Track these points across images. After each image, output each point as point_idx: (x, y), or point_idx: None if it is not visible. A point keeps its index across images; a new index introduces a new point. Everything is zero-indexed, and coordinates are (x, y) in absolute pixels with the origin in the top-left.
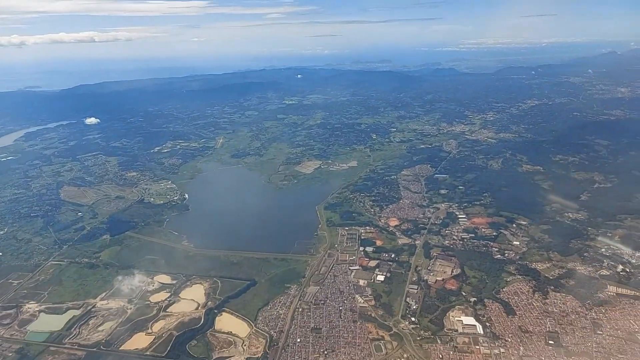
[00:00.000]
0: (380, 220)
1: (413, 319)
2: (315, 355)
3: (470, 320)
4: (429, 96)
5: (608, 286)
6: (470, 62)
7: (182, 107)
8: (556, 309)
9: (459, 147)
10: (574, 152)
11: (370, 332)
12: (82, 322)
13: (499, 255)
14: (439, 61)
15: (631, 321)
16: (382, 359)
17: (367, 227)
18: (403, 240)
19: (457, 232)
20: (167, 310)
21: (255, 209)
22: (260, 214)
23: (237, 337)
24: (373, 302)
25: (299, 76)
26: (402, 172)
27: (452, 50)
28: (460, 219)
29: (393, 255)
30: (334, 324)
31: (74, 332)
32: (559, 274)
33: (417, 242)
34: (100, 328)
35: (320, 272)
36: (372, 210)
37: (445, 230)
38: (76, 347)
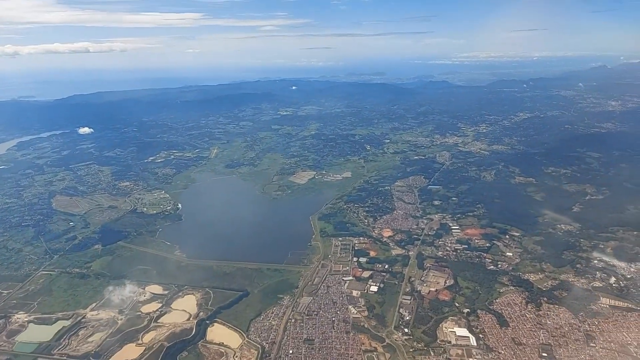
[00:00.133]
0: (374, 231)
1: (406, 330)
2: None
3: (463, 331)
4: (422, 108)
5: (601, 298)
6: (463, 75)
7: (176, 118)
8: (549, 321)
9: (452, 158)
10: (566, 164)
11: (363, 344)
12: (72, 332)
13: (492, 266)
14: (432, 74)
15: (624, 333)
16: None
17: (361, 238)
18: (396, 251)
19: (451, 243)
20: (159, 321)
21: (248, 219)
22: (254, 224)
23: (229, 348)
24: (366, 313)
25: (293, 88)
26: (396, 183)
27: (445, 64)
28: (453, 230)
29: (386, 266)
30: (326, 335)
31: (63, 343)
32: (552, 285)
33: (410, 253)
34: (90, 339)
35: (314, 282)
36: (366, 220)
37: (439, 241)
38: (65, 358)
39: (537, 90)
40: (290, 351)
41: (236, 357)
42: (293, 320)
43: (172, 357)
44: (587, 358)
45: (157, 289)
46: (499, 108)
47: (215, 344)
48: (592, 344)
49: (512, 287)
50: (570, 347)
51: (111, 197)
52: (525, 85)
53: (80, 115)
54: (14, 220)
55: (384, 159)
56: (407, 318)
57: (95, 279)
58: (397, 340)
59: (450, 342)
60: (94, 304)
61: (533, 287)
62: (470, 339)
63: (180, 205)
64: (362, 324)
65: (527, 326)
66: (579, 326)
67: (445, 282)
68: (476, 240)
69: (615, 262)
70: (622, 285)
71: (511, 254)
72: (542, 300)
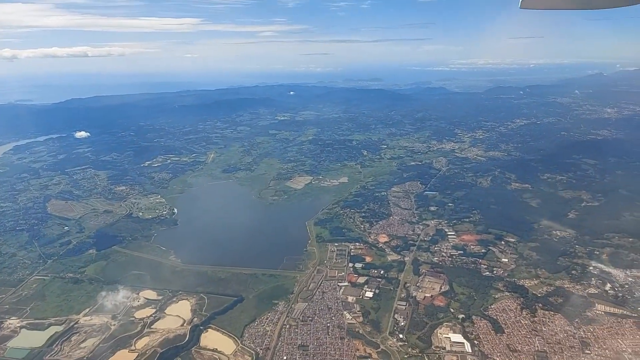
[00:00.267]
0: (370, 236)
1: (401, 336)
2: None
3: (458, 337)
4: (420, 114)
5: (596, 305)
6: (460, 81)
7: (173, 122)
8: (545, 328)
9: (449, 164)
10: (562, 171)
11: (358, 349)
12: (64, 338)
13: (488, 272)
14: (429, 80)
15: (619, 340)
16: None
17: (357, 243)
18: (392, 257)
19: (446, 249)
20: (152, 326)
21: (244, 224)
22: (250, 229)
23: (223, 354)
24: (361, 319)
25: (291, 93)
26: (392, 189)
27: (443, 70)
28: (449, 236)
29: (382, 272)
30: (321, 341)
31: (56, 349)
32: (547, 291)
33: (406, 259)
34: (82, 345)
35: (309, 288)
36: (362, 226)
37: (435, 247)
38: None
39: (533, 97)
40: (285, 357)
41: None
42: (288, 326)
43: None
44: None
45: (151, 294)
46: (495, 114)
47: (209, 349)
48: (587, 351)
49: (507, 293)
50: (566, 355)
51: (107, 202)
52: (522, 92)
53: (78, 119)
54: (8, 225)
55: (381, 165)
56: (402, 324)
57: (89, 284)
58: (392, 346)
59: (444, 348)
60: (87, 309)
61: (528, 293)
62: (465, 345)
63: (176, 210)
64: (357, 329)
65: (522, 332)
66: (574, 333)
67: (440, 288)
68: (472, 246)
69: (611, 268)
70: (618, 291)
71: (507, 260)
72: (537, 307)
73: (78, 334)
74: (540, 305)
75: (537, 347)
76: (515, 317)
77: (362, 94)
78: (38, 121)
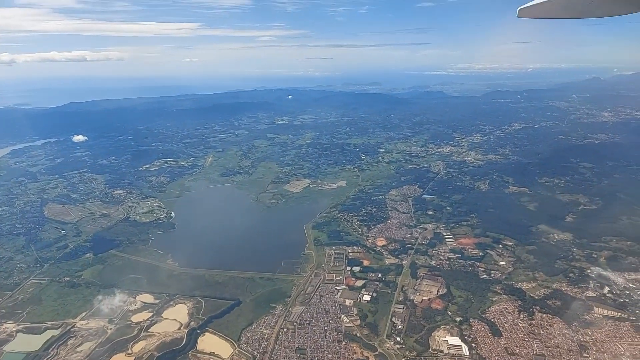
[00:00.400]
0: (367, 240)
1: (398, 338)
2: None
3: (455, 340)
4: (418, 118)
5: (594, 308)
6: (458, 85)
7: (172, 126)
8: (543, 331)
9: (447, 168)
10: (559, 175)
11: (355, 353)
12: (61, 342)
13: (485, 275)
14: (427, 84)
15: (617, 343)
16: None
17: (355, 247)
18: (390, 260)
19: (444, 252)
20: (149, 330)
21: (242, 227)
22: (248, 232)
23: (220, 357)
24: (359, 322)
25: (289, 97)
26: (390, 192)
27: (441, 74)
28: (447, 239)
29: (380, 275)
30: (318, 344)
31: (52, 353)
32: (544, 294)
33: (404, 262)
34: (79, 349)
35: (307, 291)
36: (360, 229)
37: (432, 250)
38: None
39: (531, 101)
40: None
41: None
42: (285, 330)
43: None
44: None
45: (148, 298)
46: (493, 118)
47: (205, 353)
48: (585, 355)
49: (505, 296)
50: (564, 358)
51: (104, 205)
52: (519, 96)
53: (75, 123)
54: (5, 229)
55: (379, 168)
56: (400, 327)
57: (85, 287)
58: (389, 349)
59: (442, 351)
60: (83, 313)
61: (526, 296)
62: (463, 348)
63: (173, 214)
64: (354, 333)
65: (520, 336)
66: (572, 336)
67: (438, 291)
68: (469, 250)
69: (609, 272)
70: (616, 295)
71: (504, 263)
72: (534, 309)
73: (74, 338)
74: (537, 308)
75: (536, 350)
76: (513, 320)
77: (361, 98)
78: (36, 125)
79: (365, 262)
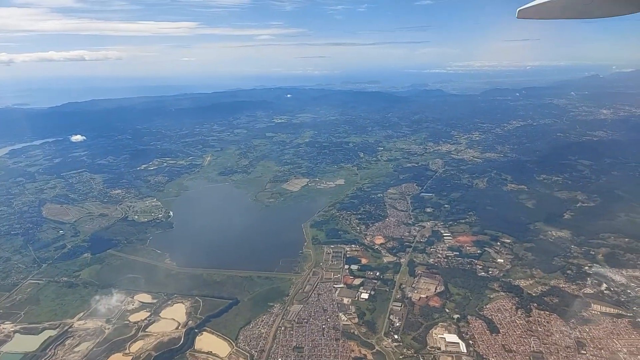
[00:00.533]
0: (365, 238)
1: (396, 336)
2: None
3: (453, 337)
4: (416, 116)
5: (592, 305)
6: (457, 83)
7: (170, 125)
8: (540, 328)
9: (445, 166)
10: (558, 172)
11: (353, 351)
12: (58, 342)
13: (483, 273)
14: (426, 82)
15: (614, 340)
16: None
17: (353, 245)
18: (388, 258)
19: (442, 250)
20: (147, 330)
21: (240, 226)
22: (246, 231)
23: (218, 356)
24: (356, 320)
25: (288, 96)
26: (389, 191)
27: (440, 72)
28: (445, 237)
29: (378, 273)
30: (316, 343)
31: (49, 353)
32: (542, 291)
33: (402, 260)
34: (76, 349)
35: (305, 290)
36: (358, 228)
37: (431, 248)
38: None
39: (529, 99)
40: (279, 359)
41: None
42: (283, 328)
43: None
44: None
45: (146, 297)
46: (492, 116)
47: (203, 352)
48: (582, 352)
49: (502, 293)
50: (562, 355)
51: (102, 205)
52: (518, 94)
53: (74, 122)
54: (3, 229)
55: (377, 167)
56: (398, 325)
57: (83, 287)
58: (387, 347)
59: (439, 349)
60: (81, 313)
61: (523, 292)
62: (460, 345)
63: (171, 213)
64: (352, 331)
65: (517, 332)
66: (569, 333)
67: (436, 289)
68: (468, 247)
69: (607, 268)
70: (613, 291)
71: (502, 261)
72: (532, 306)
73: (72, 338)
74: (535, 304)
75: (533, 348)
76: (511, 317)
77: (359, 97)
78: (34, 125)
79: (364, 261)
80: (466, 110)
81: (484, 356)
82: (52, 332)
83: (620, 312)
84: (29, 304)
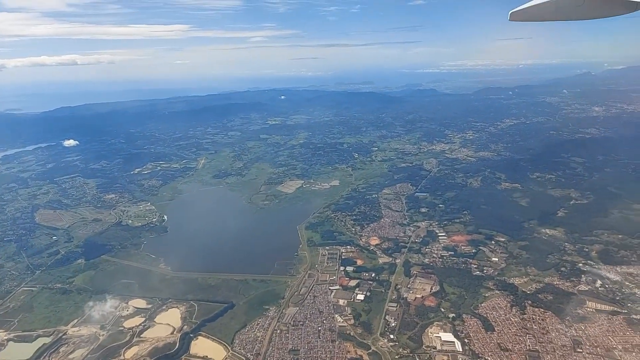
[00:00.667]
0: (361, 239)
1: (392, 336)
2: None
3: (448, 336)
4: (410, 116)
5: (587, 302)
6: (451, 83)
7: (164, 129)
8: (535, 325)
9: (439, 165)
10: (551, 170)
11: (349, 352)
12: (52, 350)
13: (478, 272)
14: (420, 82)
15: (610, 337)
16: None
17: (348, 247)
18: (383, 259)
19: (437, 250)
20: (141, 335)
21: (235, 230)
22: (241, 235)
23: None
24: (352, 321)
25: (282, 97)
26: (383, 191)
27: (433, 72)
28: (440, 237)
29: (373, 274)
30: (312, 345)
31: None
32: (536, 288)
33: (397, 261)
34: (70, 356)
35: (300, 292)
36: (353, 229)
37: (426, 248)
38: None
39: (522, 97)
40: None
41: None
42: (278, 331)
43: None
44: None
45: (140, 303)
46: (485, 115)
47: (199, 357)
48: (578, 350)
49: (497, 292)
50: (558, 354)
51: (96, 210)
52: (511, 93)
53: (67, 127)
54: None
55: (372, 167)
56: (393, 325)
57: (77, 294)
58: (383, 347)
59: (435, 348)
60: (75, 320)
61: (518, 290)
62: (456, 344)
63: (165, 217)
64: (348, 332)
65: (513, 330)
66: (565, 331)
67: (431, 289)
68: (462, 247)
69: (601, 265)
70: (608, 288)
71: (497, 259)
72: (526, 304)
73: (66, 345)
74: (529, 302)
75: (529, 346)
76: (505, 315)
77: (353, 97)
78: (27, 130)
79: (359, 262)
80: (460, 109)
81: (480, 354)
82: (46, 340)
83: (615, 309)
84: (22, 311)
